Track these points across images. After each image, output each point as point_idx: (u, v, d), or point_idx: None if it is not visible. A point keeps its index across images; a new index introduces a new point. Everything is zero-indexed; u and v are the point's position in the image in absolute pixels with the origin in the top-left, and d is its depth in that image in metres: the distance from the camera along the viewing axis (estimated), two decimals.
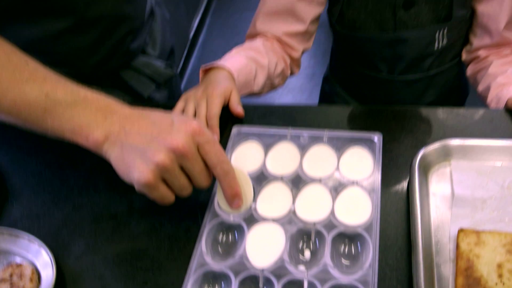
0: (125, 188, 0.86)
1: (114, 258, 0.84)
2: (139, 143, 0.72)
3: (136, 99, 1.22)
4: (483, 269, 0.73)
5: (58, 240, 0.88)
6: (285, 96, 2.69)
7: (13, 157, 1.04)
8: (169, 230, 0.87)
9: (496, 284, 0.71)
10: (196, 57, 3.01)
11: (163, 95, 1.26)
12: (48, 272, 0.82)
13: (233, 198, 0.80)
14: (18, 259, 0.85)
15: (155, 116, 0.76)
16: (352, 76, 1.30)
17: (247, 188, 0.82)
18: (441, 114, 0.99)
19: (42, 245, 0.84)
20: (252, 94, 1.17)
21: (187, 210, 0.89)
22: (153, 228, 0.87)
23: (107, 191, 0.94)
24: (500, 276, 0.72)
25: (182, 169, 0.75)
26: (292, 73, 1.29)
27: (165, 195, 0.76)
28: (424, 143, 0.92)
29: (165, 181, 0.75)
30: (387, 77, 1.21)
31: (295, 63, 1.28)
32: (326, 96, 1.42)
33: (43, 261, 0.83)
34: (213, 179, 0.79)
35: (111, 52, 1.11)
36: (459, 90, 1.32)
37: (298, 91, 2.70)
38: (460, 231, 0.77)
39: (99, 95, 0.78)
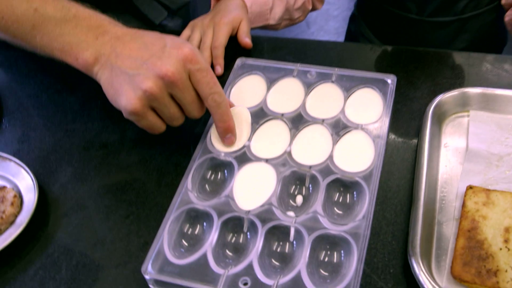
0: (119, 116, 0.81)
1: (99, 188, 0.80)
2: (128, 67, 0.67)
3: (147, 26, 1.16)
4: (488, 232, 0.66)
5: (45, 166, 0.84)
6: (320, 38, 2.58)
7: (12, 78, 1.01)
8: (159, 163, 0.82)
9: (501, 249, 0.64)
10: None
11: (177, 23, 1.20)
12: (30, 198, 0.78)
13: (225, 133, 0.74)
14: (1, 182, 0.82)
15: (148, 38, 0.70)
16: (379, 15, 1.20)
17: (245, 126, 0.77)
18: (469, 59, 0.89)
19: (27, 170, 0.80)
20: (268, 28, 1.10)
21: (180, 143, 0.84)
22: (143, 159, 0.83)
23: (101, 119, 0.90)
24: (506, 241, 0.64)
25: (173, 97, 0.70)
26: (314, 8, 1.20)
27: (154, 124, 0.72)
28: (444, 90, 0.83)
29: (154, 110, 0.70)
30: (416, 18, 1.11)
31: None
32: (352, 37, 1.33)
33: (27, 186, 0.80)
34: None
35: None
36: (496, 38, 1.20)
37: (334, 33, 2.58)
38: (469, 188, 0.70)
39: (92, 12, 0.73)
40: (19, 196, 0.79)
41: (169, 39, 0.70)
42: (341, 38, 2.55)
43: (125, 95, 0.68)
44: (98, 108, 0.91)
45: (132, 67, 0.68)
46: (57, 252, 0.74)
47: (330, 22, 2.61)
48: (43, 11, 0.71)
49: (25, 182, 0.80)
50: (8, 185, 0.81)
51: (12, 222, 0.77)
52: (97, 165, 0.83)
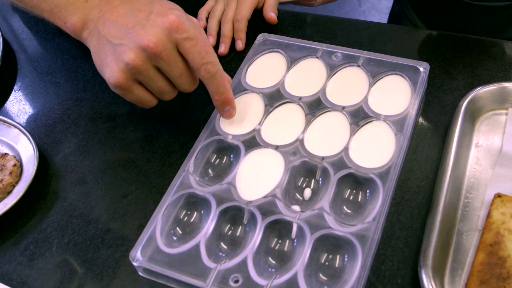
0: None
1: (101, 163, 0.76)
2: (113, 36, 0.62)
3: None
4: None
5: (50, 135, 0.81)
6: (371, 17, 2.46)
7: (30, 41, 0.97)
8: (165, 140, 0.77)
9: None
10: None
11: None
12: (30, 168, 0.75)
13: (223, 106, 0.68)
14: (4, 149, 0.79)
15: (137, 3, 0.64)
16: None
17: (257, 112, 0.71)
18: None
19: (30, 139, 0.77)
20: (302, 3, 1.02)
21: (190, 121, 0.78)
22: (149, 136, 0.78)
23: (111, 90, 0.85)
24: None
25: (160, 70, 0.64)
26: None
27: (142, 98, 0.67)
28: (483, 83, 0.75)
29: (142, 83, 0.65)
30: (466, 1, 1.01)
31: None
32: (395, 18, 1.23)
33: (29, 155, 0.77)
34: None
35: None
36: None
37: (386, 12, 2.46)
38: (497, 196, 0.62)
39: None
40: (19, 165, 0.76)
41: (158, 4, 0.63)
42: None
43: (109, 67, 0.63)
44: None
45: (117, 36, 0.62)
46: (50, 227, 0.70)
47: (383, 1, 2.49)
48: None
49: (27, 151, 0.77)
50: (10, 153, 0.78)
51: (9, 192, 0.74)
52: (102, 138, 0.79)
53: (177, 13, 0.61)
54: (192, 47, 0.61)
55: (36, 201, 0.73)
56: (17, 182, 0.75)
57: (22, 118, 0.84)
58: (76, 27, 0.65)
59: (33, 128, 0.82)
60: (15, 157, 0.77)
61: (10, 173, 0.74)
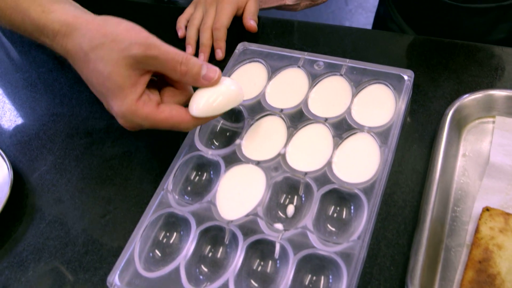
0: None
1: (78, 182, 0.74)
2: (95, 92, 0.62)
3: (157, 1, 1.08)
4: (503, 265, 0.56)
5: (26, 152, 0.78)
6: (358, 16, 2.44)
7: (4, 53, 0.95)
8: (144, 156, 0.75)
9: None
10: None
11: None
12: (4, 188, 0.73)
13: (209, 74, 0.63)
14: None
15: (92, 78, 0.60)
16: None
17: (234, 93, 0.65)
18: (502, 55, 0.78)
19: (4, 158, 0.74)
20: (285, 8, 1.00)
21: (168, 135, 0.76)
22: (127, 152, 0.76)
23: (89, 103, 0.83)
24: None
25: None
26: None
27: None
28: (469, 90, 0.73)
29: None
30: (451, 3, 0.99)
31: None
32: (380, 21, 1.21)
33: (3, 174, 0.74)
34: None
35: None
36: None
37: (373, 11, 2.43)
38: (485, 210, 0.60)
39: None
40: None
41: (103, 99, 0.62)
42: None
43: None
44: (88, 92, 0.83)
45: (97, 94, 0.62)
46: (26, 251, 0.68)
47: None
48: None
49: (1, 170, 0.75)
50: None
51: None
52: (79, 155, 0.76)
53: (120, 116, 0.60)
54: (154, 128, 0.61)
55: (11, 223, 0.71)
56: None
57: None
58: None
59: (8, 145, 0.79)
60: None
61: None
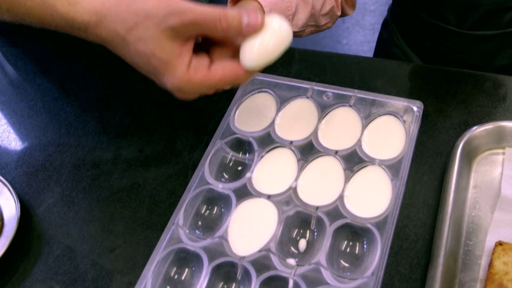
0: (116, 133, 0.74)
1: (86, 214, 0.73)
2: (145, 73, 0.60)
3: None
4: None
5: (32, 184, 0.78)
6: (355, 33, 2.45)
7: (8, 80, 0.94)
8: (152, 188, 0.74)
9: None
10: None
11: None
12: (11, 221, 0.72)
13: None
14: None
15: (138, 60, 0.59)
16: (414, 24, 1.08)
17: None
18: (509, 84, 0.79)
19: (11, 191, 0.74)
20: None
21: (177, 167, 0.76)
22: (135, 184, 0.75)
23: (96, 133, 0.82)
24: None
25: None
26: (344, 14, 1.09)
27: None
28: (478, 121, 0.73)
29: None
30: (455, 30, 1.00)
31: (348, 1, 1.07)
32: (383, 44, 1.21)
33: (10, 208, 0.74)
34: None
35: None
36: None
37: (370, 29, 2.45)
38: (498, 244, 0.60)
39: None
40: (0, 218, 0.73)
41: (152, 75, 0.60)
42: (376, 34, 2.43)
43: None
44: (94, 121, 0.83)
45: (147, 74, 0.60)
46: (34, 287, 0.67)
47: (366, 17, 2.48)
48: None
49: (8, 203, 0.74)
50: None
51: None
52: (86, 187, 0.76)
53: (175, 89, 0.59)
54: (211, 90, 0.60)
55: (19, 257, 0.70)
56: None
57: (3, 166, 0.81)
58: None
59: (14, 177, 0.79)
60: None
61: None
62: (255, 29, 0.59)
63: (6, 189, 0.75)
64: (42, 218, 0.74)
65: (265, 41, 0.59)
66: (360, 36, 2.43)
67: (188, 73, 0.57)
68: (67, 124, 0.84)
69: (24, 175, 0.79)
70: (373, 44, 2.29)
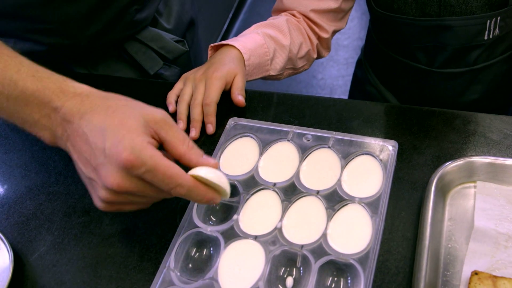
0: None
1: (79, 261, 0.75)
2: (84, 169, 0.62)
3: (143, 75, 1.12)
4: None
5: (24, 233, 0.80)
6: (330, 68, 2.52)
7: None
8: (142, 233, 0.77)
9: None
10: (242, 20, 2.87)
11: (174, 72, 1.15)
12: (5, 271, 0.74)
13: (208, 203, 0.67)
14: None
15: (92, 132, 0.61)
16: (386, 63, 1.14)
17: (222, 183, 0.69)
18: (477, 121, 0.83)
19: (4, 240, 0.76)
20: (270, 78, 1.04)
21: (165, 211, 0.79)
22: (126, 229, 0.78)
23: None
24: None
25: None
26: (319, 56, 1.15)
27: (138, 207, 0.66)
28: (450, 156, 0.78)
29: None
30: (425, 69, 1.05)
31: (323, 45, 1.13)
32: (358, 82, 1.27)
33: (3, 258, 0.75)
34: None
35: (111, 23, 1.00)
36: (510, 88, 1.14)
37: (344, 63, 2.52)
38: (474, 274, 0.64)
39: (41, 82, 0.64)
40: None
41: (111, 134, 0.60)
42: (350, 68, 2.51)
43: (90, 193, 0.64)
44: None
45: (87, 171, 0.62)
46: None
47: (340, 52, 2.56)
48: None
49: (2, 254, 0.76)
50: None
51: None
52: (78, 234, 0.78)
53: (128, 149, 0.58)
54: (153, 178, 0.59)
55: None
56: None
57: None
58: (50, 141, 0.65)
59: (5, 226, 0.81)
60: None
61: None
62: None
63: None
64: (35, 266, 0.75)
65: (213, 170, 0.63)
66: (334, 71, 2.50)
67: (147, 144, 0.59)
68: (56, 173, 0.87)
69: (15, 224, 0.81)
70: (348, 78, 2.35)
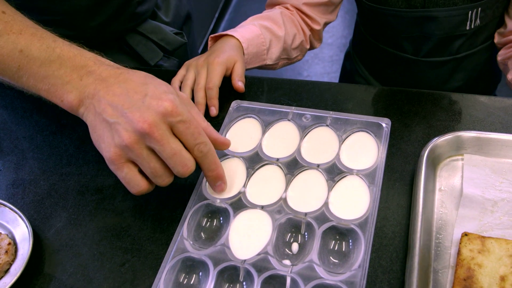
0: None
1: (94, 235, 0.80)
2: (109, 115, 0.66)
3: (143, 66, 1.16)
4: (484, 281, 0.65)
5: (40, 211, 0.84)
6: (315, 66, 2.59)
7: (7, 118, 1.01)
8: (154, 208, 0.82)
9: None
10: (228, 19, 2.92)
11: (173, 63, 1.20)
12: (25, 245, 0.78)
13: (215, 181, 0.74)
14: None
15: (132, 83, 0.68)
16: (374, 54, 1.21)
17: (239, 176, 0.77)
18: (462, 101, 0.90)
19: (22, 217, 0.80)
20: (266, 68, 1.10)
21: (176, 188, 0.83)
22: (138, 205, 0.83)
23: (96, 162, 0.90)
24: None
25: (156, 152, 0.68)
26: (312, 47, 1.21)
27: (131, 179, 0.69)
28: (439, 133, 0.84)
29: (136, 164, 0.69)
30: (411, 58, 1.12)
31: (316, 36, 1.19)
32: (347, 74, 1.33)
33: (22, 233, 0.79)
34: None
35: (115, 15, 1.05)
36: (490, 75, 1.21)
37: (329, 61, 2.60)
38: (464, 235, 0.70)
39: (78, 51, 0.72)
40: (13, 243, 0.79)
41: (152, 86, 0.68)
42: (335, 65, 2.58)
43: (105, 143, 0.68)
44: (93, 151, 0.90)
45: (112, 115, 0.67)
46: None
47: (324, 50, 2.63)
48: (28, 52, 0.71)
49: (20, 229, 0.80)
50: (2, 232, 0.80)
51: (6, 271, 0.76)
52: (92, 210, 0.83)
53: (171, 97, 0.66)
54: (185, 129, 0.66)
55: (34, 277, 0.76)
56: (13, 260, 0.77)
57: (10, 196, 0.87)
58: (72, 104, 0.70)
59: (22, 205, 0.85)
60: (7, 235, 0.79)
61: (6, 252, 0.77)
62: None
63: (15, 215, 0.80)
64: (52, 241, 0.80)
65: None
66: (319, 68, 2.57)
67: (183, 98, 0.70)
68: (68, 155, 0.91)
69: (31, 203, 0.85)
70: (333, 75, 2.41)
